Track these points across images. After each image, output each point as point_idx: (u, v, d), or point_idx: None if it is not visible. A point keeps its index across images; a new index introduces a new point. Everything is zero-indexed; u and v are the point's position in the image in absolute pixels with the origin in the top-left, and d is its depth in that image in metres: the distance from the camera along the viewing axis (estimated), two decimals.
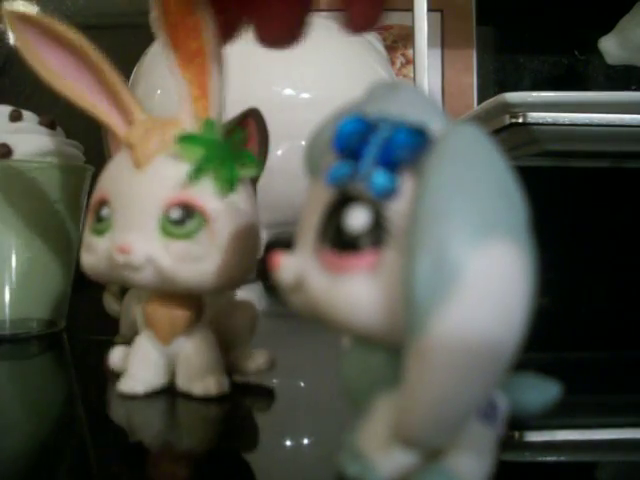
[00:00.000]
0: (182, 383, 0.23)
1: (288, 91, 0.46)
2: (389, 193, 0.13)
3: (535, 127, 0.39)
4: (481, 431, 0.14)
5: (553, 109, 0.39)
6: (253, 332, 0.26)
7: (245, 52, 0.43)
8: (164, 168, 0.22)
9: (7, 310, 0.34)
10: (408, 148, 0.13)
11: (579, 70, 0.74)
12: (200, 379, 0.23)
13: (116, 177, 0.23)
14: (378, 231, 0.13)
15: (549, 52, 0.74)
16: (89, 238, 0.23)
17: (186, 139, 0.22)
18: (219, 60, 0.23)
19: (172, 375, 0.24)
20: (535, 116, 0.38)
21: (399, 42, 0.74)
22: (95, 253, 0.23)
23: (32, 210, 0.34)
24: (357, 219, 0.13)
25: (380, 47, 0.64)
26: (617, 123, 0.39)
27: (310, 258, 0.14)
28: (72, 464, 0.19)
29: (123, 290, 0.34)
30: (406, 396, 0.12)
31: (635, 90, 0.70)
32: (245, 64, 0.42)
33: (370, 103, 0.14)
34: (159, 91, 0.48)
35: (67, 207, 0.35)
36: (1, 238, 0.33)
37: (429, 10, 0.58)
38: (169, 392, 0.24)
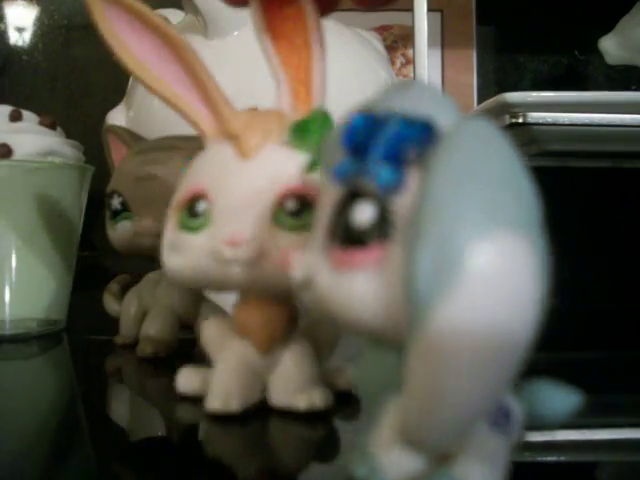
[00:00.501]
0: (279, 398, 0.21)
1: None
2: (395, 187, 0.13)
3: (535, 127, 0.39)
4: (492, 439, 0.14)
5: (553, 109, 0.39)
6: (335, 348, 0.24)
7: (245, 52, 0.43)
8: (276, 158, 0.21)
9: (7, 310, 0.34)
10: (414, 142, 0.13)
11: (579, 70, 0.74)
12: (303, 392, 0.21)
13: (215, 170, 0.21)
14: (384, 226, 0.13)
15: (549, 52, 0.74)
16: (178, 235, 0.21)
17: (299, 127, 0.21)
18: (322, 50, 0.21)
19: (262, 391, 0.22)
20: (535, 116, 0.38)
21: (399, 42, 0.74)
22: (188, 251, 0.20)
23: (32, 210, 0.34)
24: (363, 214, 0.13)
25: (380, 47, 0.64)
26: (617, 123, 0.39)
27: (320, 256, 0.14)
28: (72, 464, 0.19)
29: (123, 290, 0.34)
30: (408, 397, 0.12)
31: (635, 90, 0.70)
32: (245, 63, 0.42)
33: (382, 100, 0.14)
34: None
35: (67, 207, 0.35)
36: (1, 238, 0.33)
37: (429, 10, 0.58)
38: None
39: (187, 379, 0.23)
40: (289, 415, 0.21)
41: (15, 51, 0.71)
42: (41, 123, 0.36)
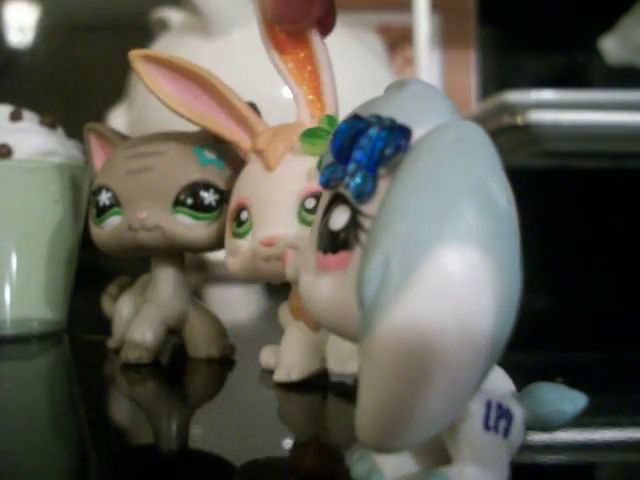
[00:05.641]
0: (334, 366, 0.24)
1: (288, 91, 0.46)
2: (366, 194, 0.13)
3: (535, 127, 0.39)
4: (488, 442, 0.14)
5: (553, 109, 0.39)
6: None
7: (245, 50, 0.43)
8: (293, 165, 0.24)
9: (8, 310, 0.34)
10: (391, 150, 0.13)
11: (579, 70, 0.74)
12: (353, 359, 0.24)
13: (250, 183, 0.25)
14: (355, 232, 0.13)
15: (549, 52, 0.74)
16: (231, 243, 0.25)
17: (307, 134, 0.24)
18: (327, 62, 0.24)
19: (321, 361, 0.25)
20: (535, 116, 0.38)
21: (399, 42, 0.74)
22: (239, 254, 0.24)
23: (32, 210, 0.34)
24: (338, 220, 0.14)
25: (379, 48, 0.64)
26: (617, 123, 0.39)
27: (308, 256, 0.15)
28: (72, 464, 0.19)
29: (122, 292, 0.34)
30: (359, 396, 0.12)
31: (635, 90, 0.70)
32: (245, 64, 0.42)
33: (374, 103, 0.14)
34: None
35: (67, 207, 0.35)
36: (1, 238, 0.33)
37: (430, 11, 0.58)
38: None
39: (267, 357, 0.27)
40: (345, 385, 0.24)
41: (15, 51, 0.71)
42: (41, 123, 0.36)
